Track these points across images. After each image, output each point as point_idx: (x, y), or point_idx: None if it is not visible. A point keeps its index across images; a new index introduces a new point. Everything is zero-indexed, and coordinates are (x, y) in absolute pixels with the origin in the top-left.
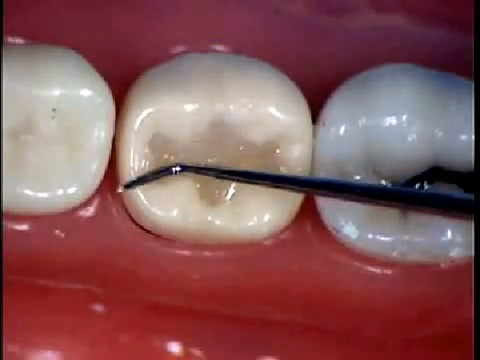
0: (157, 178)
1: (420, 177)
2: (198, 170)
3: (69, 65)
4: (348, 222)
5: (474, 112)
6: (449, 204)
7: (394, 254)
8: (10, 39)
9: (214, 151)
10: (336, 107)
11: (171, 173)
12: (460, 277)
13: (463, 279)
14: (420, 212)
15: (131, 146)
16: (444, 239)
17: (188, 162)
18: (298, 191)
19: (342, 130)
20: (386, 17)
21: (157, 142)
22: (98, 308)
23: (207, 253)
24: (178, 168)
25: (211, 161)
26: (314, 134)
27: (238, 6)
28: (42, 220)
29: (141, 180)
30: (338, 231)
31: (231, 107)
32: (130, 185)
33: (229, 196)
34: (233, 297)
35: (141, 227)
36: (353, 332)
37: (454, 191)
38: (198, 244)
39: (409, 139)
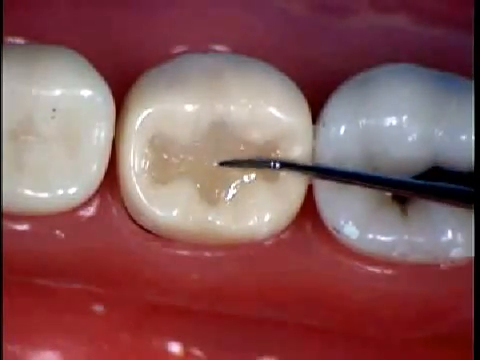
0: (253, 167)
1: (420, 177)
2: (298, 168)
3: (69, 65)
4: (348, 222)
5: (474, 112)
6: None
7: (394, 254)
8: (10, 39)
9: (214, 151)
10: (336, 107)
11: (269, 167)
12: (460, 277)
13: (463, 279)
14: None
15: (131, 146)
16: (444, 239)
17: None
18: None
19: (342, 130)
20: (386, 17)
21: (157, 142)
22: (98, 308)
23: (207, 253)
24: (278, 164)
25: (211, 161)
26: (314, 134)
27: (238, 6)
28: (42, 220)
29: (236, 163)
30: (338, 231)
31: (231, 107)
32: (225, 163)
33: (229, 196)
34: (233, 297)
35: (141, 227)
36: (353, 332)
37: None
38: (198, 244)
39: (409, 139)
